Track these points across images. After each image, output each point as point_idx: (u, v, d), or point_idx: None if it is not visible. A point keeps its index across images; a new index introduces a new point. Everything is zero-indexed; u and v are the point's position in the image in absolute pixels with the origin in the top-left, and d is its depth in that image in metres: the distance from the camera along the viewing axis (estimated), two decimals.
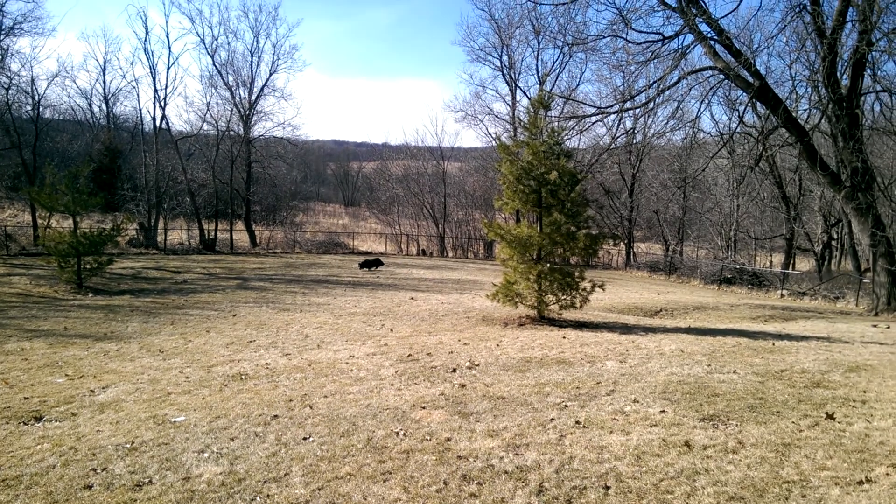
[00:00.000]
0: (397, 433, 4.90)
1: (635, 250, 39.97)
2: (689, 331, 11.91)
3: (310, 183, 75.83)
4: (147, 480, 4.05)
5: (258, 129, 39.46)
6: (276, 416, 5.45)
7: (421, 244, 41.65)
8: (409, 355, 8.42)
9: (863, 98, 20.23)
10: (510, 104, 38.38)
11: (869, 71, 19.19)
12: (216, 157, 35.09)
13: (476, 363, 7.77)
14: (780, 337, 11.24)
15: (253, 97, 37.99)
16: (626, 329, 11.70)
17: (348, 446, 4.63)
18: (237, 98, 37.20)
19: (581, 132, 28.48)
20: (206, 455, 4.49)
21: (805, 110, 22.42)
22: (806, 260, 37.83)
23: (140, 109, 55.49)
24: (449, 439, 4.69)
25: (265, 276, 21.26)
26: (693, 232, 39.98)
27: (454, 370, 7.35)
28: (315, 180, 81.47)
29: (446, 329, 11.16)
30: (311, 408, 5.73)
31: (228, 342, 9.55)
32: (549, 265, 11.93)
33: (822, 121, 19.88)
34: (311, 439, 4.83)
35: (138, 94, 76.74)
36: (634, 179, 37.40)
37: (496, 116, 39.30)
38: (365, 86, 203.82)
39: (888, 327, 14.67)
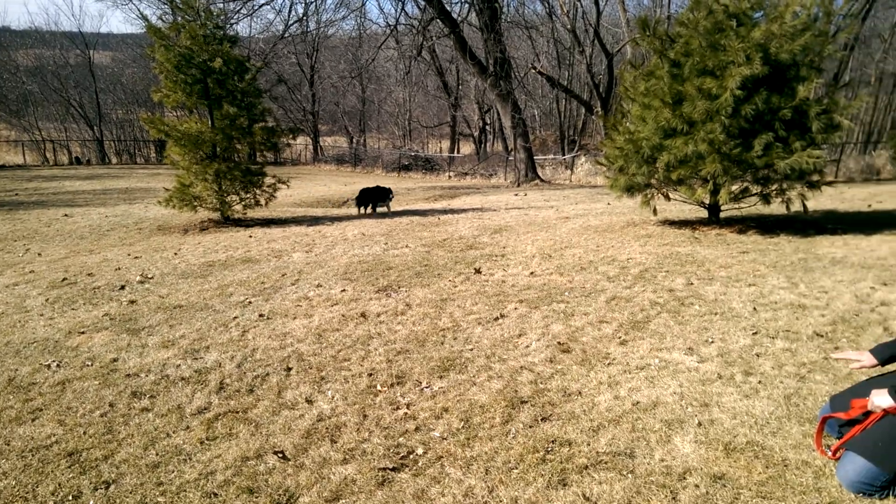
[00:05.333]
0: (49, 366, 4.21)
1: (322, 144, 40.36)
2: (371, 216, 12.70)
3: None
4: None
5: None
6: None
7: (73, 151, 35.01)
8: (65, 279, 7.20)
9: None
10: None
11: None
12: None
13: (150, 276, 7.06)
14: (445, 212, 12.80)
15: None
16: (314, 221, 11.91)
17: None
18: None
19: (250, 16, 26.46)
20: None
21: (458, 3, 24.51)
22: (468, 144, 43.17)
23: None
24: (115, 360, 4.23)
25: None
26: (374, 123, 41.85)
27: (123, 287, 6.56)
28: None
29: (113, 244, 9.82)
30: None
31: None
32: (228, 163, 11.21)
33: (471, 13, 22.03)
34: None
35: None
36: (313, 71, 36.90)
37: None
38: None
39: (525, 195, 17.92)
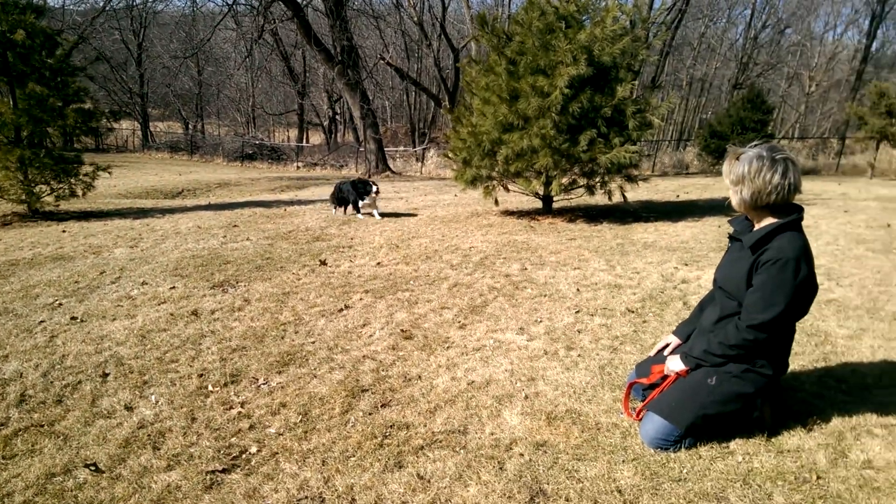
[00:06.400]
0: None
1: (153, 130, 37.05)
2: (209, 207, 11.93)
3: None
4: None
5: None
6: None
7: None
8: None
9: None
10: None
11: None
12: None
13: None
14: (291, 203, 12.40)
15: None
16: (141, 213, 10.92)
17: None
18: None
19: None
20: None
21: None
22: (318, 133, 42.13)
23: None
24: None
25: None
26: (213, 108, 39.26)
27: None
28: None
29: None
30: None
31: None
32: (35, 149, 9.87)
33: None
34: None
35: None
36: (141, 49, 33.68)
37: None
38: None
39: None
